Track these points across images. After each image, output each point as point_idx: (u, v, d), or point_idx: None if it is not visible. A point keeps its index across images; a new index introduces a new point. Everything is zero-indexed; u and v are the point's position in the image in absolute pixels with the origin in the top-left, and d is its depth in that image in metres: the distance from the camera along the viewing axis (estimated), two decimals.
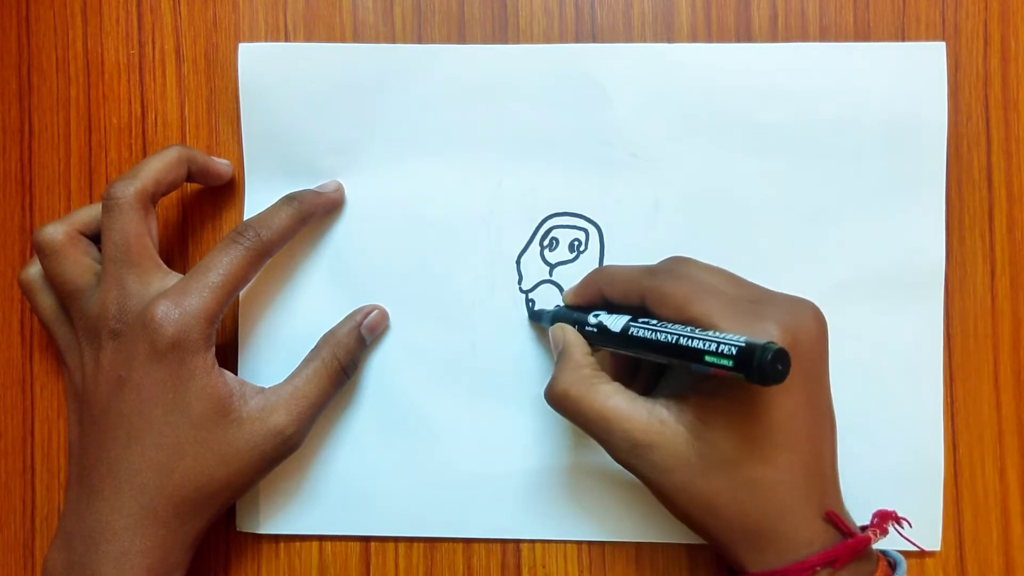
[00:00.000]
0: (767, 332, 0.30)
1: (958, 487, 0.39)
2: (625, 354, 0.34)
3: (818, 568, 0.30)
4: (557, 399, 0.34)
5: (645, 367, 0.38)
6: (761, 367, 0.28)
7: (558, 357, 0.35)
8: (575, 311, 0.37)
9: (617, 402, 0.33)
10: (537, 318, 0.39)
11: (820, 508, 0.32)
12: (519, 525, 0.40)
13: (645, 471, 0.32)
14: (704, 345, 0.30)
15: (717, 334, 0.30)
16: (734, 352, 0.28)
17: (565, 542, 0.40)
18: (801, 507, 0.31)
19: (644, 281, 0.34)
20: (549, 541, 0.40)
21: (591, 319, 0.35)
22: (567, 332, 0.36)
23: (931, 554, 0.39)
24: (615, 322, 0.34)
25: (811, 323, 0.32)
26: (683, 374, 0.32)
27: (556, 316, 0.38)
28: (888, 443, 0.39)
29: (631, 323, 0.33)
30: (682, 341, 0.31)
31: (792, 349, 0.29)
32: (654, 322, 0.33)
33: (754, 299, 0.32)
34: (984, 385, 0.40)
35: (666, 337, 0.31)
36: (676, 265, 0.34)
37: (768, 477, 0.31)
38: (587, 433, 0.34)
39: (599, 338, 0.35)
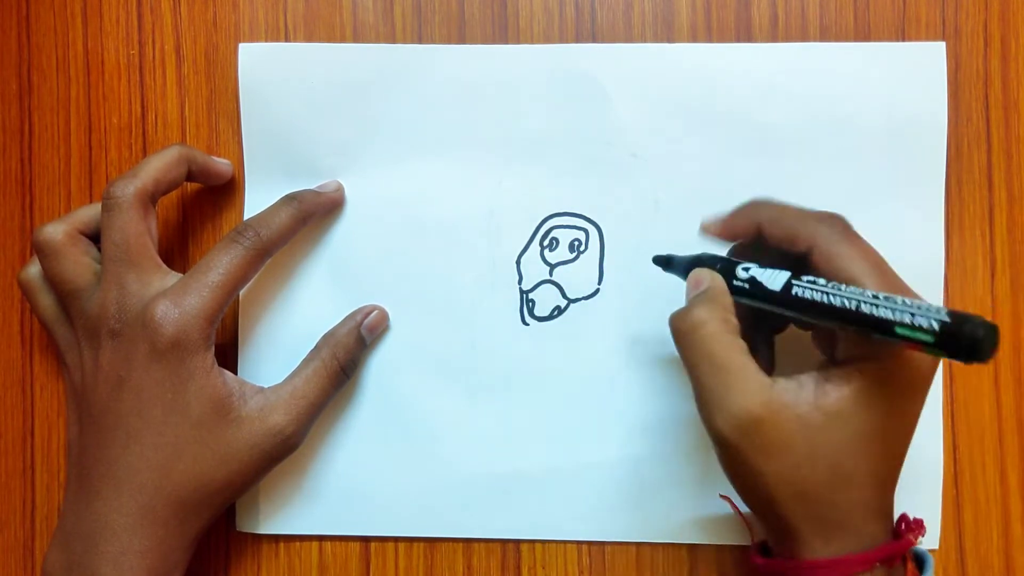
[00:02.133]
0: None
1: (958, 487, 0.39)
2: (776, 315, 0.31)
3: (876, 564, 0.30)
4: (688, 328, 0.31)
5: (762, 347, 0.35)
6: (972, 341, 0.25)
7: (698, 295, 0.32)
8: (719, 260, 0.34)
9: (748, 362, 0.30)
10: (666, 264, 0.36)
11: (884, 508, 0.32)
12: (519, 525, 0.40)
13: (746, 449, 0.30)
14: (895, 315, 0.27)
15: (911, 302, 0.27)
16: (936, 326, 0.26)
17: (565, 542, 0.40)
18: (877, 504, 0.31)
19: (811, 229, 0.31)
20: (549, 541, 0.40)
21: (740, 272, 0.32)
22: (715, 280, 0.32)
23: (931, 554, 0.39)
24: (773, 278, 0.31)
25: None
26: (806, 357, 0.31)
27: (698, 262, 0.34)
28: None
29: (794, 281, 0.30)
30: (864, 308, 0.28)
31: None
32: (823, 282, 0.30)
33: (906, 291, 0.31)
34: (984, 385, 0.40)
35: (843, 302, 0.28)
36: (847, 225, 0.31)
37: (865, 471, 0.30)
38: (693, 375, 0.31)
39: (746, 295, 0.32)
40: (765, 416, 0.30)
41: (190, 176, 0.38)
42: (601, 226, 0.40)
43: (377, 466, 0.40)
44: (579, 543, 0.40)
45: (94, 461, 0.34)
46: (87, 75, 0.42)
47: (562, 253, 0.40)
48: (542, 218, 0.40)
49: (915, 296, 0.30)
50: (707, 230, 0.35)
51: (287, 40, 0.41)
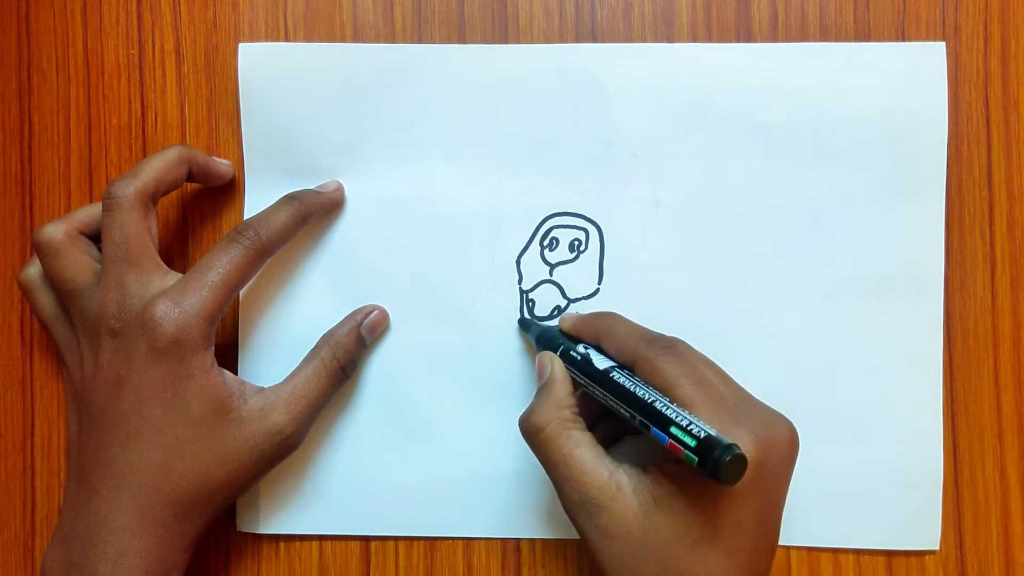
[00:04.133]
0: (740, 439, 0.29)
1: (958, 487, 0.39)
2: (596, 398, 0.34)
3: None
4: (531, 432, 0.34)
5: (606, 422, 0.37)
6: (717, 462, 0.28)
7: (540, 389, 0.35)
8: (566, 337, 0.37)
9: (583, 453, 0.32)
10: (526, 327, 0.39)
11: None
12: (519, 525, 0.40)
13: (588, 529, 0.32)
14: (676, 418, 0.30)
15: (691, 416, 0.30)
16: (701, 436, 0.28)
17: (565, 541, 0.40)
18: None
19: (641, 348, 0.33)
20: (549, 540, 0.40)
21: (580, 348, 0.35)
22: (555, 366, 0.35)
23: (931, 554, 0.39)
24: (602, 361, 0.34)
25: (785, 444, 0.31)
26: (651, 445, 0.32)
27: (546, 335, 0.38)
28: (888, 443, 0.39)
29: (616, 368, 0.33)
30: (657, 405, 0.31)
31: (759, 463, 0.30)
32: (638, 379, 0.33)
33: (737, 403, 0.32)
34: (984, 385, 0.40)
35: (643, 394, 0.31)
36: (676, 345, 0.33)
37: (698, 573, 0.30)
38: (546, 471, 0.34)
39: (579, 368, 0.35)
40: (602, 502, 0.31)
41: (190, 176, 0.38)
42: (601, 226, 0.40)
43: (377, 466, 0.40)
44: (579, 543, 0.40)
45: (94, 461, 0.34)
46: (87, 75, 0.42)
47: (562, 253, 0.40)
48: (542, 218, 0.40)
49: (736, 402, 0.32)
50: (562, 323, 0.38)
51: (287, 40, 0.41)
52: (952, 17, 0.40)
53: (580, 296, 0.40)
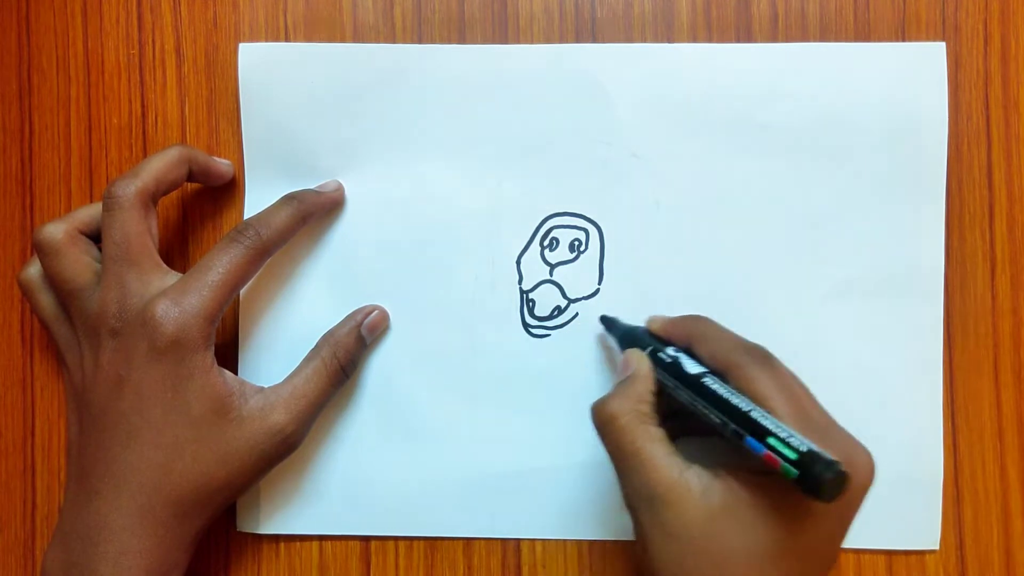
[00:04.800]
0: None
1: (958, 486, 0.39)
2: (682, 402, 0.33)
3: None
4: (604, 420, 0.33)
5: (668, 426, 0.36)
6: (819, 478, 0.27)
7: (623, 380, 0.35)
8: (653, 338, 0.36)
9: (656, 448, 0.32)
10: (609, 325, 0.39)
11: None
12: (519, 525, 0.40)
13: (648, 525, 0.31)
14: (775, 429, 0.29)
15: (794, 432, 0.29)
16: (803, 449, 0.28)
17: (565, 542, 0.40)
18: None
19: (735, 355, 0.33)
20: (549, 540, 0.40)
21: (670, 351, 0.35)
22: (643, 363, 0.35)
23: (931, 553, 0.39)
24: (693, 365, 0.34)
25: (865, 474, 0.31)
26: (725, 451, 0.32)
27: (632, 335, 0.37)
28: (888, 442, 0.39)
29: (708, 374, 0.33)
30: (754, 414, 0.30)
31: None
32: (730, 386, 0.32)
33: (824, 425, 0.32)
34: (984, 385, 0.40)
35: (739, 402, 0.31)
36: (769, 356, 0.33)
37: None
38: (612, 461, 0.33)
39: (668, 371, 0.34)
40: (667, 498, 0.31)
41: (191, 176, 0.38)
42: (601, 226, 0.40)
43: (377, 466, 0.40)
44: (579, 542, 0.40)
45: (94, 460, 0.34)
46: (87, 75, 0.42)
47: (562, 253, 0.40)
48: (542, 218, 0.40)
49: (825, 423, 0.32)
50: (651, 325, 0.37)
51: (287, 40, 0.41)
52: (952, 17, 0.40)
53: (580, 296, 0.40)
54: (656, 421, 0.33)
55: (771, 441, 0.29)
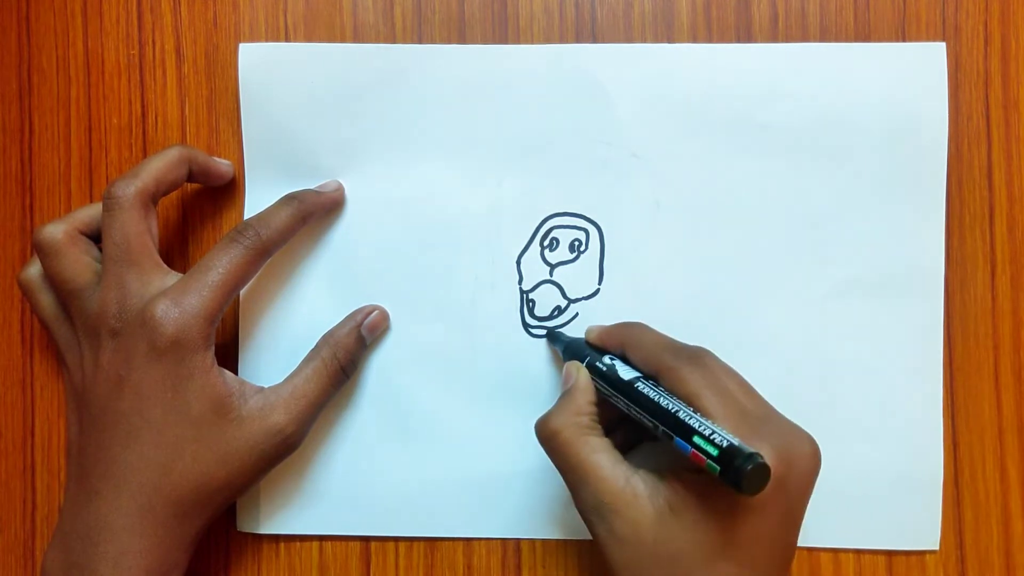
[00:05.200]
0: (762, 452, 0.29)
1: (958, 487, 0.39)
2: (620, 408, 0.34)
3: None
4: (547, 436, 0.34)
5: (621, 429, 0.37)
6: (739, 471, 0.28)
7: (563, 395, 0.35)
8: (592, 348, 0.37)
9: (600, 458, 0.32)
10: (553, 339, 0.39)
11: None
12: (519, 525, 0.40)
13: (601, 533, 0.32)
14: (699, 427, 0.30)
15: (715, 425, 0.30)
16: (723, 445, 0.29)
17: (565, 542, 0.40)
18: None
19: (665, 358, 0.33)
20: (549, 541, 0.40)
21: (606, 359, 0.36)
22: (580, 375, 0.36)
23: (931, 554, 0.39)
24: (627, 371, 0.34)
25: (807, 459, 0.31)
26: (670, 454, 0.32)
27: (573, 346, 0.38)
28: (888, 442, 0.39)
29: (641, 379, 0.34)
30: (680, 414, 0.31)
31: (781, 478, 0.29)
32: (662, 388, 0.33)
33: (760, 416, 0.32)
34: (984, 385, 0.40)
35: (667, 404, 0.32)
36: (701, 355, 0.34)
37: None
38: (561, 476, 0.34)
39: (605, 380, 0.35)
40: (617, 507, 0.31)
41: (191, 177, 0.38)
42: (601, 226, 0.40)
43: (377, 466, 0.40)
44: (579, 542, 0.40)
45: (94, 460, 0.34)
46: (87, 75, 0.42)
47: (562, 253, 0.40)
48: (542, 218, 0.40)
49: (760, 415, 0.32)
50: (588, 335, 0.38)
51: (287, 40, 0.41)
52: (952, 17, 0.40)
53: (580, 296, 0.40)
54: (599, 432, 0.34)
55: (695, 439, 0.29)
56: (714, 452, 0.29)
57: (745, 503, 0.30)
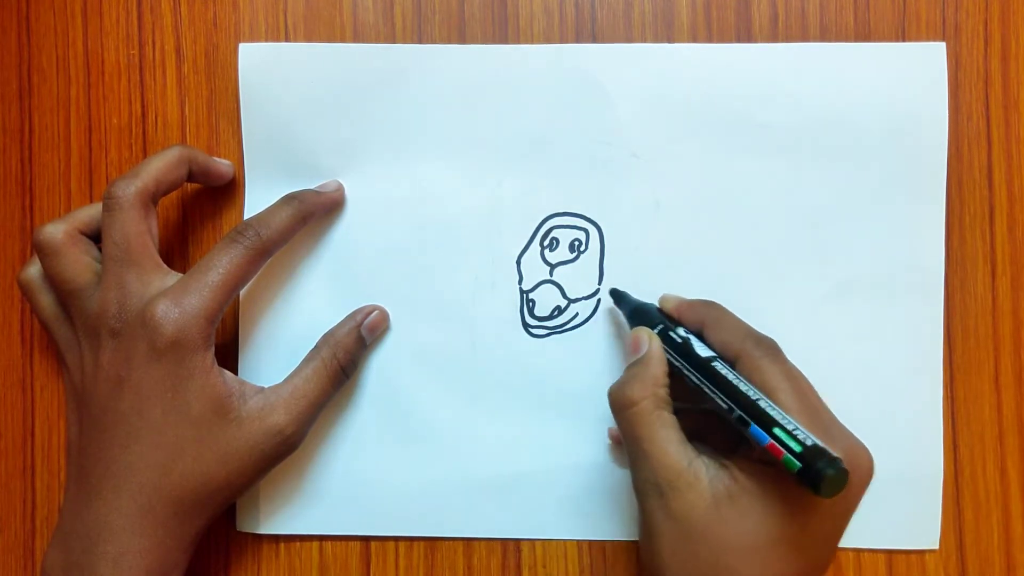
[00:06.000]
0: None
1: (958, 487, 0.39)
2: (690, 384, 0.34)
3: None
4: (623, 405, 0.33)
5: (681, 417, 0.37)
6: (819, 473, 0.27)
7: (637, 363, 0.35)
8: (664, 317, 0.36)
9: (669, 435, 0.32)
10: (618, 299, 0.39)
11: None
12: (519, 525, 0.40)
13: (654, 509, 0.32)
14: (781, 420, 0.29)
15: (799, 425, 0.29)
16: (808, 443, 0.28)
17: (565, 542, 0.40)
18: None
19: (748, 344, 0.33)
20: (549, 540, 0.40)
21: (681, 331, 0.35)
22: (654, 343, 0.35)
23: (931, 553, 0.39)
24: (703, 348, 0.34)
25: (864, 472, 0.31)
26: (731, 440, 0.32)
27: (644, 310, 0.37)
28: (888, 442, 0.39)
29: (718, 359, 0.33)
30: (762, 403, 0.30)
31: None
32: (738, 373, 0.32)
33: (828, 421, 0.32)
34: (984, 385, 0.40)
35: (748, 390, 0.31)
36: (778, 349, 0.33)
37: None
38: (626, 445, 0.34)
39: (678, 351, 0.34)
40: (678, 486, 0.31)
41: (191, 177, 0.38)
42: (601, 226, 0.40)
43: (377, 466, 0.40)
44: (579, 542, 0.40)
45: (94, 461, 0.34)
46: (87, 75, 0.42)
47: (562, 253, 0.40)
48: (542, 218, 0.40)
49: (829, 419, 0.32)
50: (664, 303, 0.38)
51: (287, 40, 0.41)
52: (952, 17, 0.40)
53: (580, 296, 0.40)
54: (671, 407, 0.33)
55: (776, 431, 0.29)
56: (797, 448, 0.28)
57: (804, 502, 0.30)
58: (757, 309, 0.39)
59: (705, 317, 0.36)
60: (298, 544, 0.41)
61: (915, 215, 0.39)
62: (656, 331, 0.35)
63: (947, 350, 0.39)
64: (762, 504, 0.30)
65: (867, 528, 0.39)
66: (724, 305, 0.36)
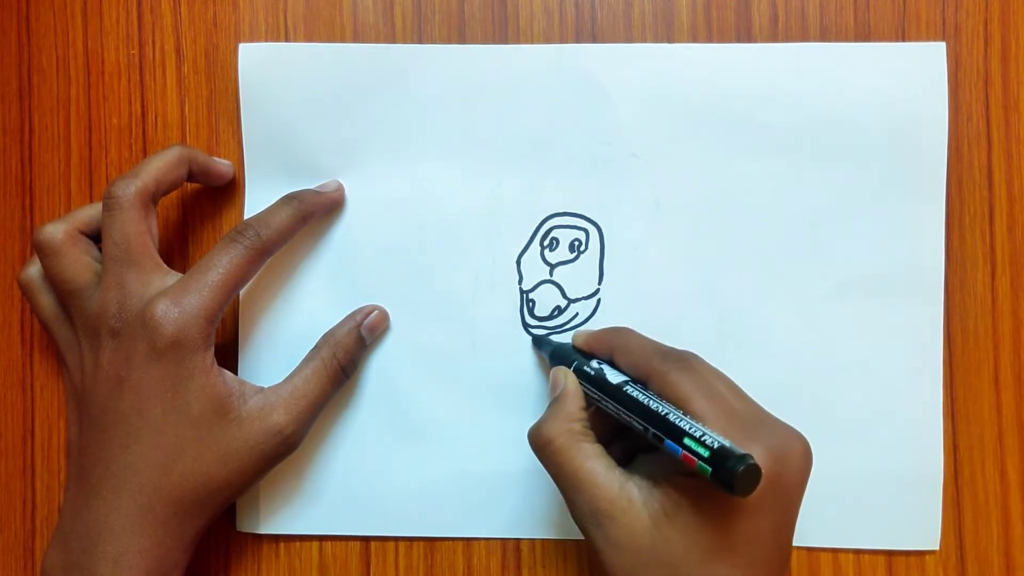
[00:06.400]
0: (753, 453, 0.29)
1: (958, 487, 0.39)
2: (610, 414, 0.34)
3: None
4: (541, 444, 0.34)
5: (620, 441, 0.37)
6: (730, 472, 0.28)
7: (552, 402, 0.35)
8: (579, 353, 0.37)
9: (594, 465, 0.32)
10: (539, 345, 0.39)
11: None
12: (519, 525, 0.40)
13: (598, 541, 0.32)
14: (689, 428, 0.30)
15: (705, 427, 0.30)
16: (714, 446, 0.28)
17: (565, 542, 0.40)
18: None
19: (655, 362, 0.33)
20: (549, 541, 0.40)
21: (593, 363, 0.36)
22: (568, 380, 0.35)
23: (931, 554, 0.39)
24: (615, 375, 0.34)
25: (799, 459, 0.31)
26: (663, 459, 0.32)
27: (560, 352, 0.38)
28: (888, 442, 0.39)
29: (629, 383, 0.34)
30: (671, 417, 0.31)
31: (773, 478, 0.29)
32: (652, 392, 0.33)
33: (751, 418, 0.32)
34: (984, 385, 0.40)
35: (657, 407, 0.31)
36: (689, 358, 0.33)
37: None
38: (556, 484, 0.34)
39: (593, 384, 0.35)
40: (613, 513, 0.31)
41: (191, 176, 0.38)
42: (601, 226, 0.40)
43: (377, 466, 0.40)
44: (579, 542, 0.40)
45: (94, 461, 0.34)
46: (87, 75, 0.42)
47: (562, 253, 0.40)
48: (542, 218, 0.40)
49: (751, 416, 0.32)
50: (575, 339, 0.38)
51: (287, 40, 0.41)
52: (952, 17, 0.40)
53: (580, 296, 0.40)
54: (592, 438, 0.34)
55: (686, 441, 0.29)
56: (705, 453, 0.29)
57: (738, 504, 0.30)
58: (757, 309, 0.39)
59: (614, 343, 0.36)
60: (298, 544, 0.41)
61: (915, 215, 0.39)
62: (572, 367, 0.36)
63: (947, 350, 0.39)
64: (698, 516, 0.30)
65: (867, 528, 0.39)
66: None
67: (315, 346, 0.38)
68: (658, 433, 0.31)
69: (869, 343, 0.39)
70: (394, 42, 0.41)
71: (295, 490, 0.40)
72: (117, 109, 0.41)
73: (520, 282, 0.40)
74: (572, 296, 0.40)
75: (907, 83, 0.39)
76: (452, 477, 0.40)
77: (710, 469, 0.28)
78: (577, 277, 0.40)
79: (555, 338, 0.40)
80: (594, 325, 0.40)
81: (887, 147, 0.39)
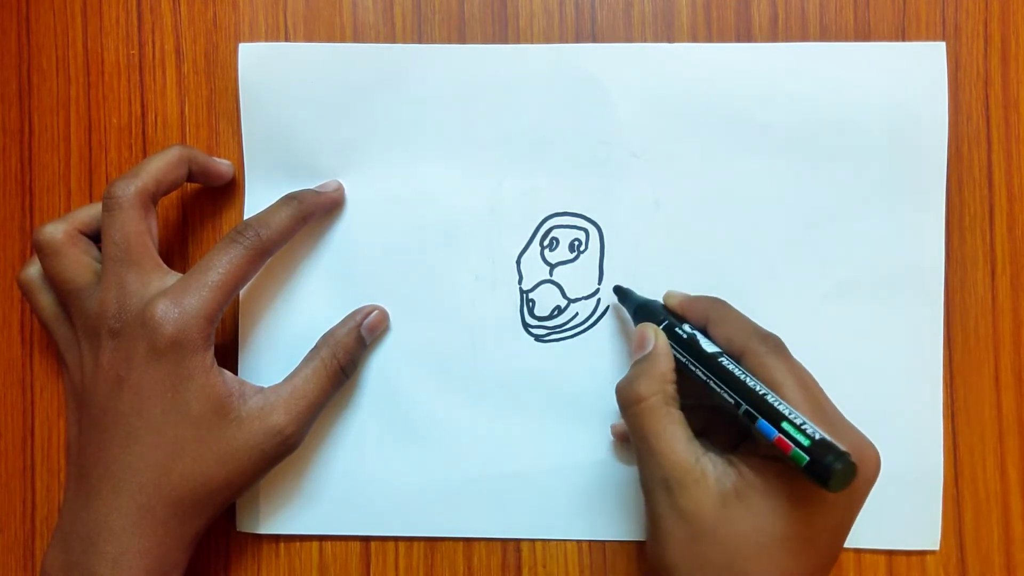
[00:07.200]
0: None
1: (958, 487, 0.39)
2: (697, 380, 0.33)
3: None
4: (631, 401, 0.33)
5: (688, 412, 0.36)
6: (828, 467, 0.27)
7: (642, 359, 0.35)
8: (670, 313, 0.36)
9: (676, 431, 0.32)
10: (622, 296, 0.39)
11: None
12: (519, 525, 0.40)
13: (662, 506, 0.32)
14: (789, 414, 0.29)
15: (807, 420, 0.29)
16: (816, 437, 0.28)
17: (565, 542, 0.40)
18: None
19: (753, 341, 0.33)
20: (549, 540, 0.40)
21: (687, 327, 0.35)
22: (660, 339, 0.35)
23: (931, 554, 0.39)
24: (709, 344, 0.34)
25: (871, 466, 0.31)
26: (734, 439, 0.32)
27: (648, 308, 0.37)
28: (888, 442, 0.39)
29: (723, 355, 0.33)
30: (769, 398, 0.30)
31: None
32: (744, 369, 0.32)
33: (834, 418, 0.32)
34: (984, 385, 0.40)
35: (755, 385, 0.31)
36: (783, 345, 0.33)
37: (761, 573, 0.30)
38: (633, 441, 0.33)
39: (683, 347, 0.34)
40: (686, 482, 0.31)
41: (190, 176, 0.38)
42: (601, 226, 0.40)
43: (377, 466, 0.40)
44: (579, 542, 0.40)
45: (94, 461, 0.34)
46: (87, 75, 0.42)
47: (562, 253, 0.40)
48: (542, 218, 0.40)
49: (834, 415, 0.32)
50: (668, 300, 0.38)
51: (287, 40, 0.41)
52: (952, 17, 0.40)
53: (580, 296, 0.40)
54: (678, 403, 0.33)
55: (784, 426, 0.29)
56: (805, 442, 0.28)
57: (812, 497, 0.30)
58: (757, 309, 0.39)
59: (709, 313, 0.36)
60: (298, 544, 0.41)
61: (915, 215, 0.39)
62: (661, 327, 0.35)
63: (947, 350, 0.39)
64: (769, 500, 0.30)
65: (867, 528, 0.39)
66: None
67: (315, 346, 0.38)
68: (751, 411, 0.30)
69: (869, 343, 0.39)
70: (394, 42, 0.41)
71: (295, 490, 0.40)
72: (117, 109, 0.41)
73: (520, 282, 0.40)
74: (572, 296, 0.40)
75: (907, 83, 0.39)
76: (452, 477, 0.40)
77: (807, 459, 0.28)
78: (577, 277, 0.40)
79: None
80: (594, 325, 0.40)
81: (887, 147, 0.39)
